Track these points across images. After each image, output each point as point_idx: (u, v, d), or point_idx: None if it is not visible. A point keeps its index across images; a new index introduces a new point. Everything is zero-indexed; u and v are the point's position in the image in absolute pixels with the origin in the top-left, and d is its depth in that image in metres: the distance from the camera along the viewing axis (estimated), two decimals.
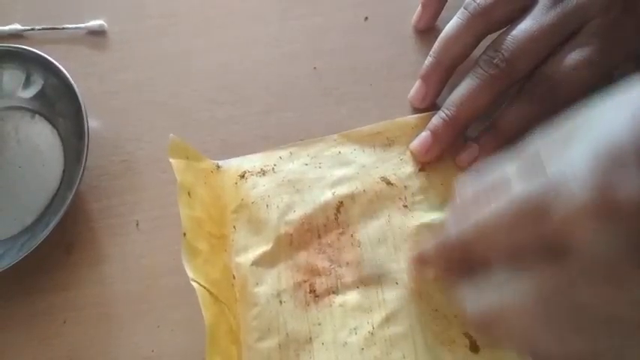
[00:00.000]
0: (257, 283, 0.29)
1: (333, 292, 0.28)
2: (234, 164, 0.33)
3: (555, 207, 0.19)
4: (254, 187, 0.31)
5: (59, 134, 0.36)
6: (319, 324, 0.28)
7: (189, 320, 0.30)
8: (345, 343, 0.27)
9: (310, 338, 0.27)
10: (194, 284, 0.26)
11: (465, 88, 0.29)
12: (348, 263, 0.29)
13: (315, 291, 0.28)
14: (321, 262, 0.29)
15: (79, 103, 0.33)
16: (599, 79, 0.27)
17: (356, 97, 0.34)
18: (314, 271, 0.29)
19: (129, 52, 0.38)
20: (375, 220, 0.30)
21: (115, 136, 0.36)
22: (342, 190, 0.31)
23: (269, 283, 0.29)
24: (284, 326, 0.28)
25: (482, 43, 0.30)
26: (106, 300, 0.31)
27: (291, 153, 0.32)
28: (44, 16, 0.40)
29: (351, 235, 0.30)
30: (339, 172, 0.31)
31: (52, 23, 0.39)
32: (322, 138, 0.33)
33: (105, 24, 0.39)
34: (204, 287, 0.26)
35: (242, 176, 0.32)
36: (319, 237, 0.30)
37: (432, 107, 0.33)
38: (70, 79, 0.34)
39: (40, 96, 0.36)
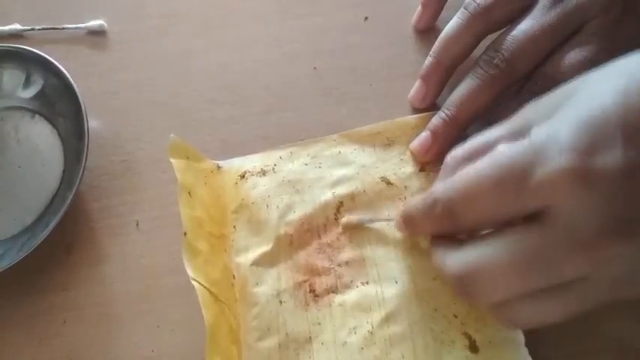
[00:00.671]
0: (257, 283, 0.29)
1: (333, 292, 0.28)
2: (235, 164, 0.33)
3: (535, 169, 0.19)
4: (254, 187, 0.31)
5: (59, 134, 0.36)
6: (319, 324, 0.28)
7: (189, 320, 0.30)
8: (345, 342, 0.27)
9: (310, 338, 0.27)
10: (194, 284, 0.26)
11: (465, 88, 0.29)
12: (347, 263, 0.29)
13: (314, 291, 0.28)
14: (321, 262, 0.29)
15: (79, 103, 0.33)
16: None
17: (356, 97, 0.34)
18: (314, 271, 0.29)
19: (129, 52, 0.38)
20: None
21: (115, 136, 0.36)
22: (342, 190, 0.31)
23: (269, 283, 0.29)
24: (284, 326, 0.28)
25: (482, 43, 0.30)
26: (106, 300, 0.31)
27: (291, 153, 0.32)
28: (44, 16, 0.40)
29: (351, 235, 0.30)
30: (339, 172, 0.31)
31: (52, 23, 0.39)
32: (322, 138, 0.33)
33: (105, 24, 0.39)
34: (205, 287, 0.26)
35: (242, 176, 0.32)
36: (319, 237, 0.30)
37: (432, 107, 0.33)
38: (70, 79, 0.34)
39: (40, 96, 0.36)
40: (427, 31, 0.35)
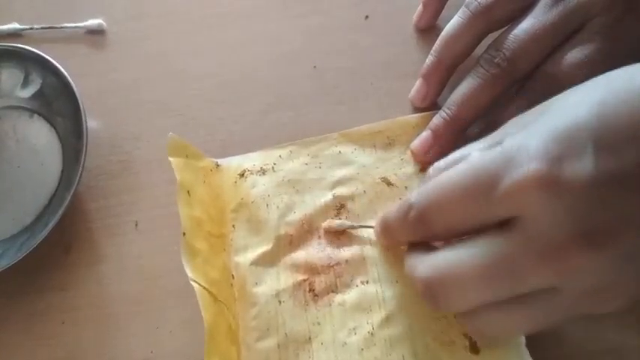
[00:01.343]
0: (256, 283, 0.29)
1: (333, 292, 0.28)
2: (234, 163, 0.32)
3: (504, 177, 0.19)
4: (254, 186, 0.31)
5: (57, 134, 0.35)
6: (318, 323, 0.28)
7: (188, 321, 0.29)
8: (345, 343, 0.27)
9: (309, 338, 0.27)
10: (193, 284, 0.26)
11: (466, 87, 0.29)
12: (347, 261, 0.29)
13: (314, 290, 0.28)
14: (321, 261, 0.29)
15: (78, 103, 0.33)
16: None
17: (356, 97, 0.34)
18: (313, 270, 0.29)
19: (128, 51, 0.38)
20: (376, 220, 0.30)
21: (113, 135, 0.36)
22: (343, 191, 0.31)
23: (268, 283, 0.29)
24: (283, 326, 0.28)
25: (483, 42, 0.30)
26: (105, 300, 0.31)
27: (291, 152, 0.32)
28: (43, 16, 0.40)
29: (351, 235, 0.29)
30: (340, 173, 0.31)
31: (51, 22, 0.39)
32: (322, 137, 0.32)
33: (104, 23, 0.39)
34: (204, 287, 0.26)
35: (242, 175, 0.32)
36: (319, 237, 0.30)
37: (433, 107, 0.32)
38: (69, 78, 0.34)
39: (38, 95, 0.36)
40: (428, 30, 0.35)
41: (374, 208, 0.30)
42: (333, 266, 0.29)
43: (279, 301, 0.28)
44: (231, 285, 0.29)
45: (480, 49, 0.30)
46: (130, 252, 0.32)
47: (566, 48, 0.27)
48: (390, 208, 0.26)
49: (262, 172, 0.32)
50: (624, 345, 0.27)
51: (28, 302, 0.32)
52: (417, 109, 0.33)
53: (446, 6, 0.34)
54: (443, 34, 0.31)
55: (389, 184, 0.31)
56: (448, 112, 0.30)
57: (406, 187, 0.30)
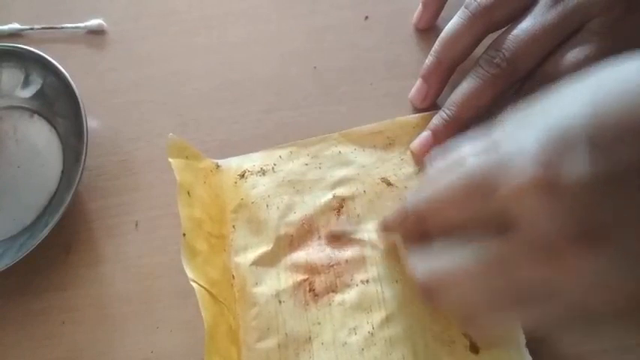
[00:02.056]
0: (256, 283, 0.29)
1: (333, 291, 0.28)
2: (234, 163, 0.32)
3: (502, 181, 0.19)
4: (254, 186, 0.31)
5: (58, 134, 0.35)
6: (319, 323, 0.28)
7: (188, 321, 0.29)
8: (345, 343, 0.27)
9: (310, 338, 0.27)
10: (193, 284, 0.26)
11: (466, 87, 0.29)
12: (347, 261, 0.29)
13: (314, 290, 0.28)
14: (321, 261, 0.29)
15: (78, 103, 0.33)
16: None
17: (356, 97, 0.34)
18: (313, 270, 0.29)
19: (128, 51, 0.38)
20: (376, 220, 0.30)
21: (113, 135, 0.36)
22: (343, 192, 0.31)
23: (268, 283, 0.29)
24: (283, 326, 0.28)
25: (483, 42, 0.30)
26: (105, 300, 0.31)
27: (291, 152, 0.32)
28: (43, 16, 0.40)
29: (351, 234, 0.30)
30: (340, 173, 0.31)
31: (51, 22, 0.39)
32: (322, 137, 0.32)
33: (104, 23, 0.39)
34: (204, 287, 0.26)
35: (242, 175, 0.32)
36: (319, 237, 0.30)
37: (433, 107, 0.32)
38: (69, 78, 0.34)
39: (38, 95, 0.36)
40: (428, 30, 0.35)
41: (374, 208, 0.30)
42: (333, 266, 0.29)
43: (280, 301, 0.28)
44: (232, 285, 0.29)
45: (479, 50, 0.30)
46: (130, 252, 0.32)
47: (566, 48, 0.27)
48: (390, 211, 0.26)
49: (262, 172, 0.32)
50: (623, 345, 0.27)
51: (28, 302, 0.32)
52: (417, 110, 0.33)
53: (446, 6, 0.34)
54: (442, 34, 0.31)
55: (389, 184, 0.31)
56: (448, 112, 0.30)
57: (406, 187, 0.30)
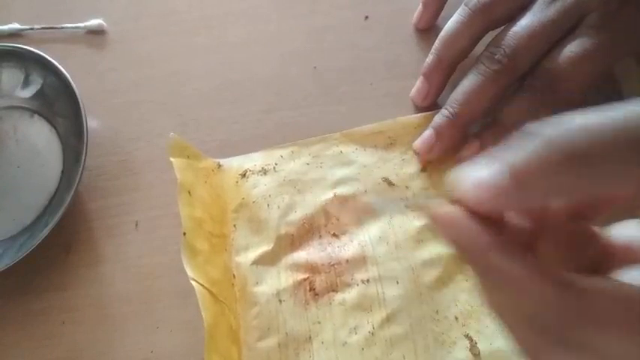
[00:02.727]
0: (257, 283, 0.29)
1: (333, 290, 0.28)
2: (235, 163, 0.32)
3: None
4: (255, 186, 0.31)
5: (58, 134, 0.35)
6: (319, 322, 0.28)
7: (188, 321, 0.29)
8: (345, 342, 0.27)
9: (310, 337, 0.27)
10: (194, 284, 0.25)
11: (467, 85, 0.29)
12: (348, 261, 0.29)
13: (314, 289, 0.28)
14: (321, 260, 0.29)
15: (78, 103, 0.33)
16: (599, 72, 0.27)
17: (356, 97, 0.34)
18: (314, 269, 0.29)
19: (128, 51, 0.38)
20: (377, 220, 0.30)
21: (114, 135, 0.36)
22: (344, 191, 0.31)
23: (269, 283, 0.29)
24: (284, 325, 0.28)
25: (483, 39, 0.30)
26: (105, 300, 0.31)
27: (292, 152, 0.32)
28: (43, 16, 0.40)
29: (352, 234, 0.29)
30: (341, 173, 0.31)
31: (51, 22, 0.39)
32: (324, 137, 0.32)
33: (104, 23, 0.39)
34: (204, 287, 0.26)
35: (243, 175, 0.32)
36: (320, 237, 0.30)
37: (434, 105, 0.32)
38: (69, 78, 0.34)
39: (38, 95, 0.36)
40: (428, 30, 0.35)
41: (375, 207, 0.30)
42: (333, 265, 0.29)
43: (280, 301, 0.28)
44: (232, 285, 0.29)
45: (480, 48, 0.30)
46: (130, 252, 0.32)
47: (564, 43, 0.27)
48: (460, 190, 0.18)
49: (264, 172, 0.32)
50: None
51: (28, 302, 0.32)
52: (418, 108, 0.33)
53: (446, 6, 0.34)
54: (443, 32, 0.31)
55: (390, 184, 0.31)
56: (450, 110, 0.30)
57: (407, 187, 0.30)
